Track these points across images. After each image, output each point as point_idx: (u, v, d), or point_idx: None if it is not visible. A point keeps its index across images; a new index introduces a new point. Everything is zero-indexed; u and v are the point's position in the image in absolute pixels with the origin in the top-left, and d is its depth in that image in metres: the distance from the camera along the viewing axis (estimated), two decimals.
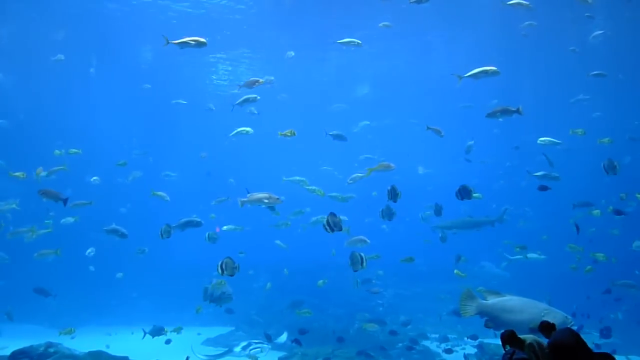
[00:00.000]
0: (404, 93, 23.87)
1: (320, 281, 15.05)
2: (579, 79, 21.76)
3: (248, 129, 13.34)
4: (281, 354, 14.94)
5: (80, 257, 18.71)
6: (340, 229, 9.69)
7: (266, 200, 10.49)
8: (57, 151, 15.54)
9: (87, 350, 13.70)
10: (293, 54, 15.26)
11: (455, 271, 14.20)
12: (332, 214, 9.67)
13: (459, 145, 19.16)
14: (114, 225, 14.51)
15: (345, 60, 22.13)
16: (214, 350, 15.34)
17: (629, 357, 14.72)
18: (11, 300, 15.78)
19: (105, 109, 25.37)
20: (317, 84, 23.30)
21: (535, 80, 21.46)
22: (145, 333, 14.56)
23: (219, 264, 10.05)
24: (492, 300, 7.31)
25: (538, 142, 13.60)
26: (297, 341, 14.06)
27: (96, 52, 20.54)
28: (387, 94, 24.47)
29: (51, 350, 13.22)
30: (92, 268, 18.58)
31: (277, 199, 10.59)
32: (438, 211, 13.47)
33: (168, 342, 15.41)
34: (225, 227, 15.97)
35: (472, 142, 16.32)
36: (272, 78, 13.07)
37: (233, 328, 18.93)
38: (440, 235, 14.08)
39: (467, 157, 16.70)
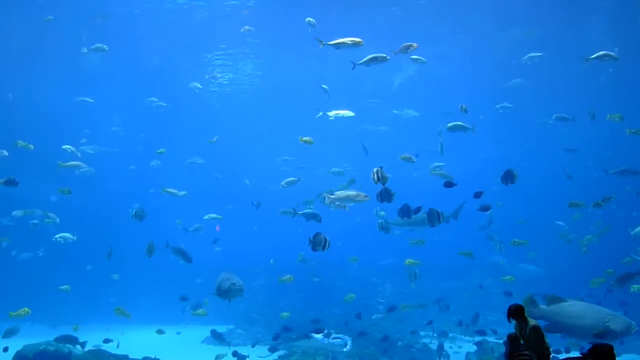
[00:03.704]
0: (406, 95, 23.78)
1: (286, 313, 15.19)
2: (580, 79, 21.95)
3: (349, 112, 12.92)
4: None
5: (81, 257, 18.72)
6: (323, 249, 10.04)
7: (356, 198, 10.36)
8: (20, 142, 14.82)
9: (86, 349, 13.72)
10: (313, 22, 14.07)
11: (406, 261, 13.94)
12: (318, 234, 10.04)
13: (460, 146, 19.30)
14: (181, 246, 14.45)
15: (347, 60, 22.06)
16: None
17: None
18: (11, 300, 15.76)
19: (104, 105, 25.24)
20: (318, 82, 23.20)
21: (536, 80, 21.49)
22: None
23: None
24: (554, 306, 7.20)
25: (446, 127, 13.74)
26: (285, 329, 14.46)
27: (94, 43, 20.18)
28: (388, 94, 24.41)
29: (51, 348, 13.25)
30: (89, 267, 18.54)
31: (365, 196, 10.44)
32: (407, 212, 13.15)
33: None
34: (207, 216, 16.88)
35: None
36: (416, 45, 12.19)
37: (233, 326, 18.94)
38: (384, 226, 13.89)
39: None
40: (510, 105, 19.57)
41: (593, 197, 15.26)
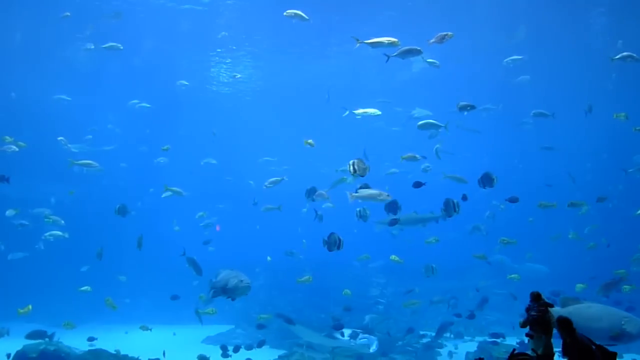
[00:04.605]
0: (407, 94, 23.69)
1: (265, 315, 15.30)
2: (580, 79, 21.88)
3: (377, 110, 12.92)
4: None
5: (82, 256, 18.67)
6: (338, 249, 10.15)
7: (379, 197, 10.34)
8: (7, 138, 14.89)
9: (86, 349, 13.72)
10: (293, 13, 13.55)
11: (392, 256, 13.97)
12: (332, 234, 10.15)
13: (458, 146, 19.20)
14: (194, 258, 14.71)
15: (347, 61, 22.06)
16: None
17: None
18: (11, 300, 15.81)
19: (103, 104, 25.24)
20: (316, 82, 23.15)
21: (534, 80, 21.39)
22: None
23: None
24: (569, 308, 7.12)
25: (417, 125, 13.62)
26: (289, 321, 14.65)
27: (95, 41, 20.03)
28: (387, 94, 24.33)
29: (51, 348, 13.25)
30: (84, 268, 18.55)
31: (388, 195, 10.40)
32: (394, 209, 12.97)
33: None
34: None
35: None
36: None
37: (233, 326, 18.91)
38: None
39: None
40: (494, 107, 19.59)
41: (592, 198, 15.25)
